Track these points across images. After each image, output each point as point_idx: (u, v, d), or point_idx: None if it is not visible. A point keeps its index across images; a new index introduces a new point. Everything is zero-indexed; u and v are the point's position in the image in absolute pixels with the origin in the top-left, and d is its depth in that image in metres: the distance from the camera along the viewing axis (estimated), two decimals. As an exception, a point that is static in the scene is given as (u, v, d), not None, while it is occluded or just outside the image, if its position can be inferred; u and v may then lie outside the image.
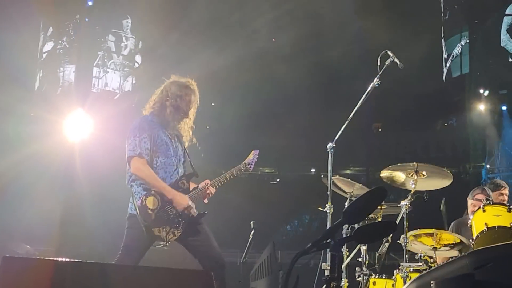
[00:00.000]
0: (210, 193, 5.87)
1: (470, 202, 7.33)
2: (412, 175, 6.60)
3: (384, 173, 6.80)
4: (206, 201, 5.89)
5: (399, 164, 6.69)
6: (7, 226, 9.27)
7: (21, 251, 8.97)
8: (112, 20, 10.61)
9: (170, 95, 5.87)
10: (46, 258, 3.61)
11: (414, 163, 6.54)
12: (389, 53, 6.49)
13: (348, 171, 12.99)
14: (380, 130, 14.30)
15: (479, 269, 3.44)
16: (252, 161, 6.09)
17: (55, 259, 3.64)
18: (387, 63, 6.46)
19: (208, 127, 7.14)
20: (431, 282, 3.65)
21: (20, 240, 9.17)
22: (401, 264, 6.31)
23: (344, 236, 5.53)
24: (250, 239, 7.85)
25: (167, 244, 5.66)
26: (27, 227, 9.53)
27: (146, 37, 10.40)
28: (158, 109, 5.87)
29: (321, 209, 6.61)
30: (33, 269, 3.44)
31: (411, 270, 6.19)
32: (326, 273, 5.86)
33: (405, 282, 6.07)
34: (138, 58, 10.95)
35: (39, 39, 10.45)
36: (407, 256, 6.39)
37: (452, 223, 7.44)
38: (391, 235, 6.35)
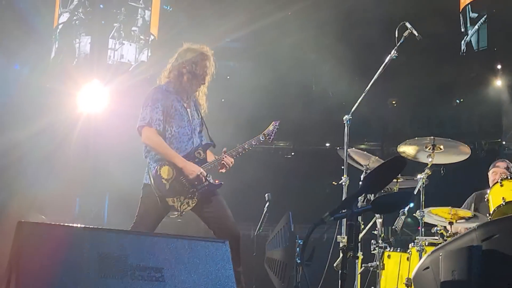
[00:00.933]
0: (226, 163, 5.85)
1: (490, 171, 7.33)
2: (429, 149, 6.57)
3: (401, 148, 6.77)
4: (223, 170, 5.87)
5: (416, 138, 6.65)
6: (24, 197, 9.33)
7: (36, 221, 9.04)
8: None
9: (185, 62, 5.84)
10: (61, 223, 3.62)
11: (431, 137, 6.51)
12: (407, 24, 6.41)
13: (362, 146, 12.94)
14: (395, 105, 14.20)
15: (486, 241, 3.46)
16: (272, 132, 6.04)
17: (69, 224, 3.66)
18: (405, 35, 6.39)
19: (223, 100, 7.11)
20: (440, 254, 3.66)
21: (37, 211, 9.24)
22: (416, 237, 6.30)
23: (361, 207, 5.52)
24: (264, 212, 7.85)
25: (181, 214, 5.68)
26: (44, 198, 9.59)
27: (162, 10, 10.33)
28: (175, 77, 5.85)
29: (335, 183, 6.60)
30: (48, 234, 3.45)
31: (426, 244, 6.19)
32: (342, 245, 5.86)
33: (420, 256, 6.07)
34: (154, 31, 10.88)
35: (55, 10, 10.40)
36: (422, 229, 6.39)
37: (473, 194, 7.43)
38: (407, 208, 6.35)
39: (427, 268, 3.82)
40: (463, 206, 7.32)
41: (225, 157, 5.83)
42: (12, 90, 9.95)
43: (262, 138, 6.02)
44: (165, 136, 5.70)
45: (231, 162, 5.87)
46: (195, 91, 5.95)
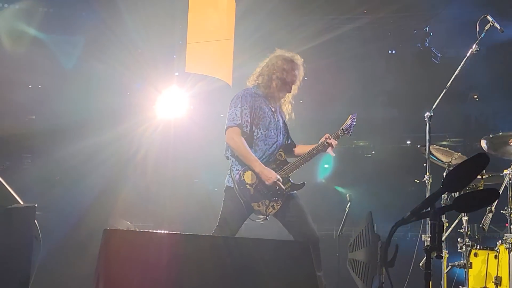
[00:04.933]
0: (331, 143, 5.87)
1: None
2: (514, 143, 6.38)
3: (484, 142, 6.59)
4: (332, 153, 5.90)
5: (500, 133, 6.47)
6: (106, 202, 9.57)
7: (121, 227, 9.24)
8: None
9: (276, 69, 5.88)
10: (145, 230, 3.70)
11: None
12: (489, 17, 6.23)
13: (444, 142, 12.66)
14: (476, 99, 13.83)
15: None
16: (350, 126, 6.01)
17: (153, 231, 3.74)
18: (486, 28, 6.23)
19: (301, 101, 7.09)
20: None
21: (119, 216, 9.46)
22: (505, 235, 6.12)
23: (444, 205, 5.41)
24: (346, 212, 7.81)
25: (267, 218, 5.70)
26: (125, 203, 9.81)
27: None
28: (264, 82, 5.89)
29: (417, 181, 6.50)
30: (134, 241, 3.53)
31: (516, 241, 6.01)
32: (425, 245, 5.76)
33: (509, 254, 5.89)
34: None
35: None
36: (511, 226, 6.20)
37: None
38: (494, 205, 6.18)
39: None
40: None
41: (329, 139, 5.86)
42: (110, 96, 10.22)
43: (341, 133, 5.99)
44: (252, 137, 5.75)
45: (335, 143, 5.90)
46: (282, 97, 5.98)
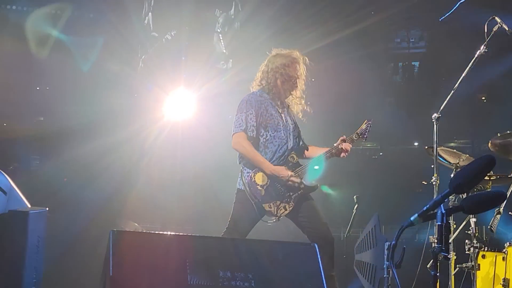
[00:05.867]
0: (345, 148, 5.86)
1: None
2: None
3: (492, 142, 6.57)
4: (345, 156, 5.89)
5: (508, 131, 6.44)
6: (114, 204, 9.59)
7: (129, 228, 9.26)
8: (221, 1, 10.64)
9: (276, 67, 5.90)
10: (152, 231, 3.72)
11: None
12: (497, 19, 6.22)
13: (452, 144, 12.61)
14: (484, 100, 13.77)
15: None
16: (366, 131, 6.01)
17: (160, 232, 3.75)
18: (494, 29, 6.21)
19: (308, 102, 7.07)
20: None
21: (127, 218, 9.48)
22: (513, 237, 6.10)
23: (451, 207, 5.40)
24: (353, 214, 7.81)
25: (279, 219, 5.71)
26: (133, 205, 9.82)
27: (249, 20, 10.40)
28: (267, 83, 5.92)
29: (425, 183, 6.48)
30: (140, 242, 3.54)
31: (525, 243, 5.99)
32: (432, 247, 5.75)
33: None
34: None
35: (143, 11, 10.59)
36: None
37: None
38: (502, 206, 6.16)
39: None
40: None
41: (343, 143, 5.85)
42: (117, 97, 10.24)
43: (355, 137, 5.99)
44: (260, 141, 5.77)
45: (350, 147, 5.89)
46: (288, 95, 5.99)
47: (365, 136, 6.02)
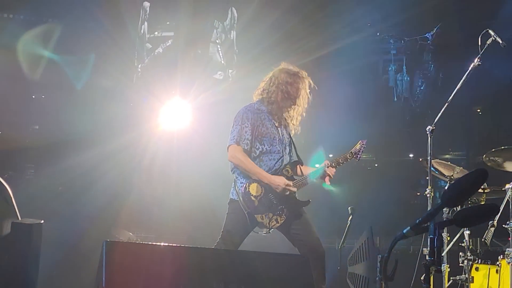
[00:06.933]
0: (330, 173, 5.86)
1: None
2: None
3: (487, 157, 6.60)
4: (328, 182, 5.89)
5: (503, 147, 6.48)
6: (109, 213, 9.57)
7: (123, 237, 9.26)
8: (218, 11, 10.68)
9: (280, 82, 5.91)
10: (146, 242, 3.72)
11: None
12: (491, 32, 6.26)
13: (447, 156, 12.62)
14: (480, 113, 13.81)
15: None
16: (359, 151, 6.02)
17: (153, 243, 3.75)
18: (488, 42, 6.25)
19: (303, 114, 7.09)
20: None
21: (121, 227, 9.47)
22: (507, 249, 6.11)
23: (444, 220, 5.41)
24: (348, 225, 7.81)
25: (270, 231, 5.72)
26: (128, 214, 9.81)
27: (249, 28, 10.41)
28: (268, 95, 5.93)
29: (418, 194, 6.50)
30: (133, 253, 3.54)
31: (517, 256, 5.99)
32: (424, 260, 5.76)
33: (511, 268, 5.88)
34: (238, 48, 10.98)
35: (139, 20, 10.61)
36: (513, 241, 6.19)
37: None
38: (496, 219, 6.17)
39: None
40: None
41: (328, 167, 5.86)
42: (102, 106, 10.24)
43: (350, 156, 5.99)
44: (255, 154, 5.79)
45: (333, 172, 5.90)
46: (286, 111, 6.00)
47: (358, 156, 6.02)
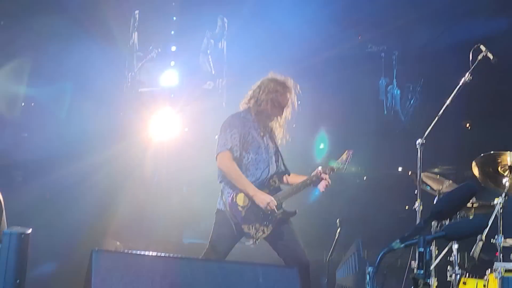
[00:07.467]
0: (327, 179, 5.85)
1: None
2: (506, 172, 6.41)
3: (476, 168, 6.62)
4: (322, 189, 5.88)
5: (492, 152, 6.49)
6: (98, 223, 9.52)
7: (111, 247, 9.21)
8: (208, 21, 10.68)
9: (269, 91, 5.92)
10: (134, 251, 3.70)
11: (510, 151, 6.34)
12: (482, 47, 6.30)
13: (436, 170, 12.66)
14: (469, 127, 13.87)
15: None
16: (346, 161, 6.03)
17: (141, 253, 3.73)
18: (479, 58, 6.29)
19: (294, 125, 7.06)
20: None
21: (110, 237, 9.42)
22: (495, 263, 6.11)
23: (433, 233, 5.42)
24: (336, 237, 7.80)
25: (256, 241, 5.71)
26: (117, 224, 9.77)
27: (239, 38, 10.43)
28: (254, 105, 5.93)
29: (407, 207, 6.51)
30: (121, 262, 3.52)
31: (505, 270, 5.99)
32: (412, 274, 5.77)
33: (500, 283, 5.88)
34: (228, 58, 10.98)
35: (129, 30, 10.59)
36: (501, 255, 6.20)
37: None
38: (484, 234, 6.18)
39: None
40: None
41: (323, 173, 5.85)
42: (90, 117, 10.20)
43: (336, 166, 6.00)
44: (242, 163, 5.77)
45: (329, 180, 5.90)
46: (272, 120, 6.01)
47: (345, 166, 6.03)
